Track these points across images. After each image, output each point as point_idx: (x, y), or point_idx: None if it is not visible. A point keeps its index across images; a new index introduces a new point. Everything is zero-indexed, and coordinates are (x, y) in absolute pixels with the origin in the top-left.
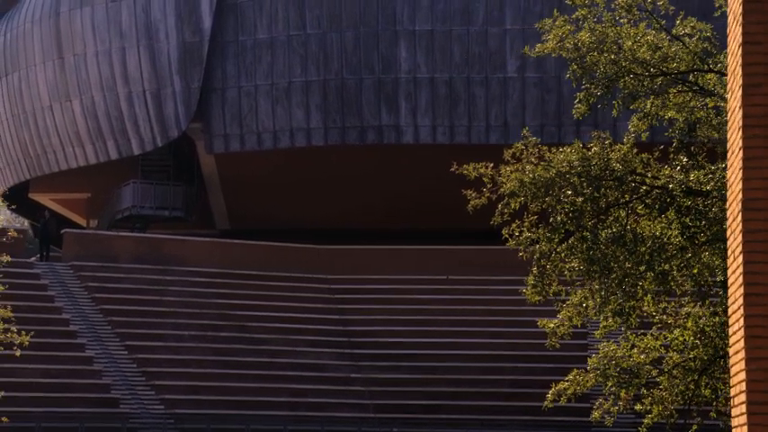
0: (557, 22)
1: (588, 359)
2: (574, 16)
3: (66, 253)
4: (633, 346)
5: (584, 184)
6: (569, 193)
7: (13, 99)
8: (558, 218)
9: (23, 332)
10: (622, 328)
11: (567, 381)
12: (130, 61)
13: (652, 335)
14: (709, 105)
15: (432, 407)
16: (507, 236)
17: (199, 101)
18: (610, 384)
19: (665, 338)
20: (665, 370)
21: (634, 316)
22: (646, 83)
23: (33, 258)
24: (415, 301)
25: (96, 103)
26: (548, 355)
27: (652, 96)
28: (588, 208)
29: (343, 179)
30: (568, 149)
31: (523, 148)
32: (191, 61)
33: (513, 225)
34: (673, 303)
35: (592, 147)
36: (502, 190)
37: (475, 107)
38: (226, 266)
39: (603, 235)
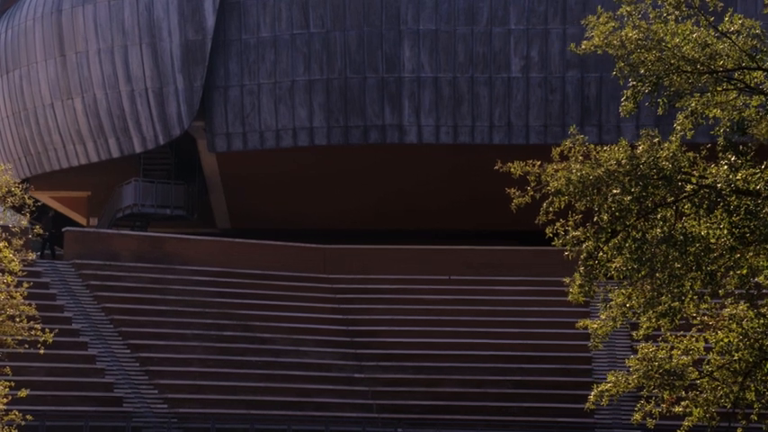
0: (600, 19)
1: (627, 360)
2: (618, 13)
3: (67, 251)
4: (673, 348)
5: (633, 182)
6: (615, 192)
7: (15, 97)
8: (604, 217)
9: (47, 330)
10: (661, 329)
11: (610, 382)
12: (133, 59)
13: (692, 336)
14: (754, 104)
15: (435, 407)
16: (551, 235)
17: (201, 99)
18: (651, 386)
19: (705, 340)
20: (706, 372)
21: (678, 317)
22: (692, 80)
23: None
24: (418, 302)
25: (98, 100)
26: (551, 355)
27: (696, 94)
28: (635, 207)
29: (345, 179)
30: (615, 148)
31: (571, 146)
32: (193, 59)
33: (558, 224)
34: (714, 304)
35: (639, 145)
36: (548, 188)
37: (478, 107)
38: (228, 266)
39: (652, 234)
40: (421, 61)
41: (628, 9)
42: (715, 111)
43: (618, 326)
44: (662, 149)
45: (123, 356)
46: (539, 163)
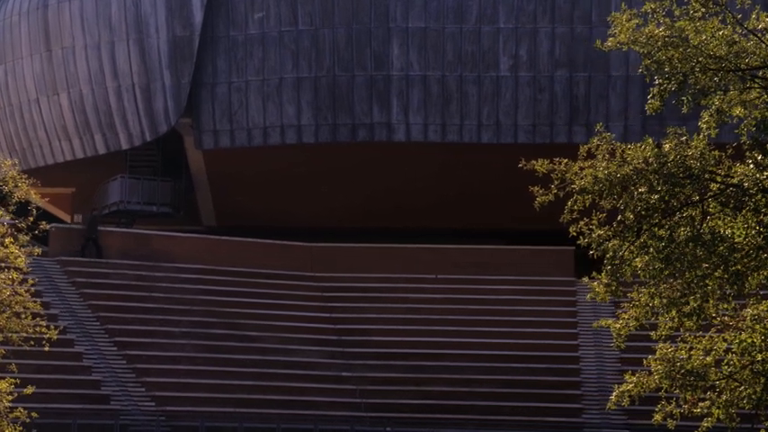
0: (624, 16)
1: (645, 360)
2: (642, 10)
3: (52, 248)
4: (692, 348)
5: (660, 181)
6: (642, 190)
7: (0, 92)
8: (629, 215)
9: (51, 327)
10: (680, 330)
11: (631, 382)
12: (120, 55)
13: (712, 336)
14: None
15: (424, 406)
16: (575, 234)
17: (189, 96)
18: (673, 386)
19: (725, 340)
20: (726, 373)
21: (702, 317)
22: (716, 79)
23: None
24: (405, 300)
25: (84, 96)
26: (539, 355)
27: (719, 92)
28: (662, 206)
29: (333, 177)
30: (642, 146)
31: (598, 144)
32: (181, 56)
33: (581, 223)
34: (734, 305)
35: (666, 144)
36: (573, 186)
37: (467, 106)
38: (215, 263)
39: (681, 233)
40: (410, 59)
41: (652, 6)
42: (738, 109)
43: (638, 326)
44: (689, 148)
45: (110, 354)
46: (565, 161)
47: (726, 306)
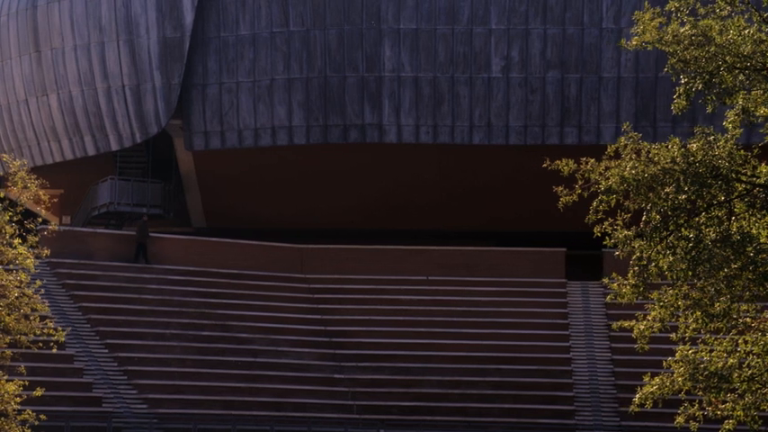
0: (647, 15)
1: (665, 362)
2: (666, 8)
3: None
4: (712, 350)
5: (688, 181)
6: (668, 190)
7: None
8: (655, 216)
9: (59, 328)
10: (701, 331)
11: (655, 384)
12: (110, 56)
13: (733, 338)
14: None
15: (415, 408)
16: (599, 234)
17: (179, 97)
18: (697, 388)
19: (747, 342)
20: (748, 375)
21: (728, 318)
22: (741, 78)
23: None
24: (395, 302)
25: (74, 97)
26: (530, 356)
27: (742, 92)
28: (688, 206)
29: (324, 178)
30: (669, 145)
31: (626, 143)
32: (171, 57)
33: (606, 224)
34: (757, 306)
35: (693, 143)
36: (597, 186)
37: (459, 107)
38: (205, 265)
39: (710, 234)
40: (401, 60)
41: (676, 5)
42: (763, 109)
43: (661, 328)
44: (717, 147)
45: (101, 356)
46: (592, 160)
47: (746, 307)
